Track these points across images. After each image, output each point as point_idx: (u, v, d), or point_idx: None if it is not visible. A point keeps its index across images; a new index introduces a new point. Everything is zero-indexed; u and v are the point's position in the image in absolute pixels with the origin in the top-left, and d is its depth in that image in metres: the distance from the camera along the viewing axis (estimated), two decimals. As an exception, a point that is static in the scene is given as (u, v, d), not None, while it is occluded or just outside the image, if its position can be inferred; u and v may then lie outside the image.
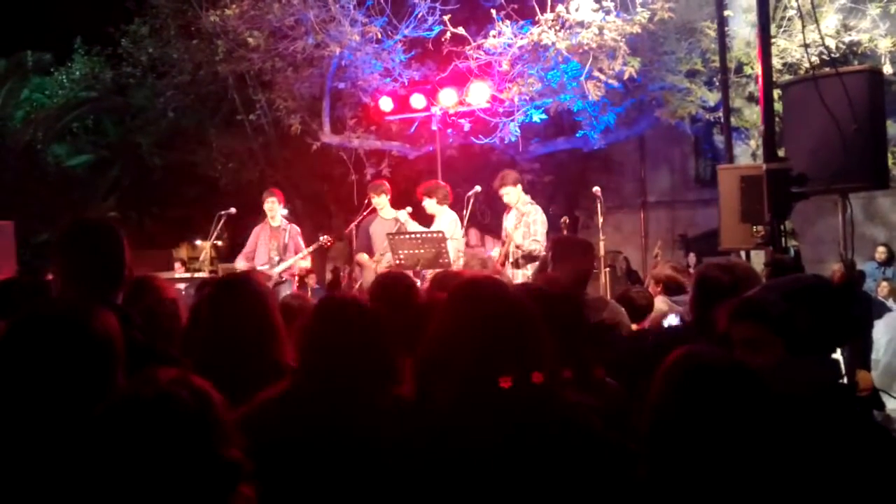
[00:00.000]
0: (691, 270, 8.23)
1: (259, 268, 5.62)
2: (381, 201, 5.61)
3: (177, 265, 9.46)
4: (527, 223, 4.76)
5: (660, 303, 2.91)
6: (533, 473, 1.20)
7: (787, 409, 1.16)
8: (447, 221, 5.30)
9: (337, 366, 1.40)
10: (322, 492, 1.32)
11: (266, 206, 5.82)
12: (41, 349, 1.15)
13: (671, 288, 3.26)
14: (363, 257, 5.68)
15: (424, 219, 5.56)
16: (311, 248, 5.72)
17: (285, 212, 5.91)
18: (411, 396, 1.36)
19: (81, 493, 0.99)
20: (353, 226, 6.01)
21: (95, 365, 1.16)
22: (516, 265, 4.72)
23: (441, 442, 1.23)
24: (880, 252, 8.13)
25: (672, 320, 2.68)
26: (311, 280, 9.00)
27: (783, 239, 2.47)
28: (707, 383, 1.11)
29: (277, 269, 5.57)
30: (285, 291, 5.47)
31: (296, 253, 5.69)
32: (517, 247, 4.76)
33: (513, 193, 4.86)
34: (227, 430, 1.05)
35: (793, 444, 1.12)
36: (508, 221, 4.91)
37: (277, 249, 5.66)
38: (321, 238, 5.82)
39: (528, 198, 4.91)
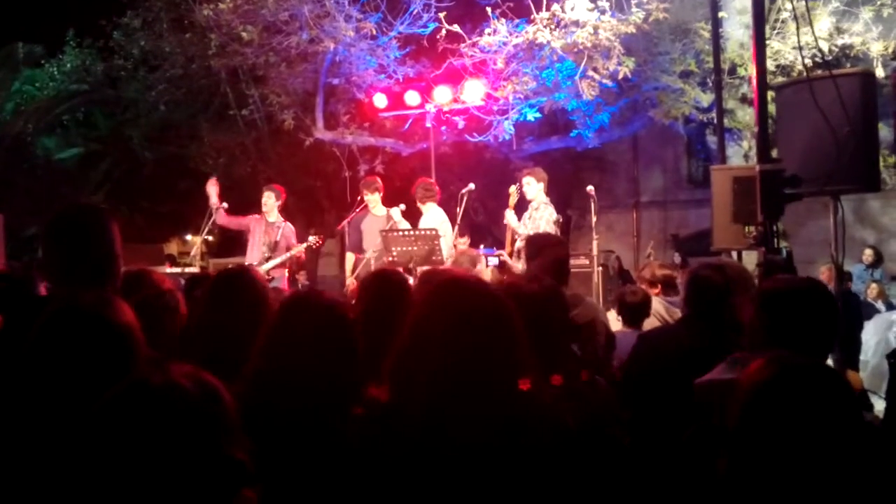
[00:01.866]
0: (677, 270, 8.28)
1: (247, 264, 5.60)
2: (374, 198, 5.61)
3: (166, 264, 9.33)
4: (534, 218, 4.93)
5: (656, 304, 2.91)
6: (511, 473, 1.18)
7: None
8: (437, 219, 5.32)
9: (299, 367, 1.36)
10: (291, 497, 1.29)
11: (262, 200, 5.75)
12: (68, 344, 1.15)
13: (671, 287, 3.26)
14: (348, 261, 5.71)
15: (418, 217, 5.58)
16: (299, 248, 5.67)
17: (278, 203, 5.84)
18: (386, 397, 1.33)
19: (84, 477, 0.99)
20: (344, 223, 5.99)
21: (117, 355, 1.16)
22: (518, 256, 4.82)
23: (415, 445, 1.21)
24: (867, 254, 8.21)
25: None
26: (302, 276, 8.93)
27: (775, 240, 2.49)
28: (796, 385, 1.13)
29: (265, 267, 5.52)
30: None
31: (287, 251, 5.65)
32: (513, 230, 4.97)
33: (533, 187, 5.02)
34: (235, 429, 1.04)
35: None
36: (511, 218, 5.06)
37: (268, 246, 5.63)
38: (310, 238, 5.79)
39: (546, 198, 5.05)
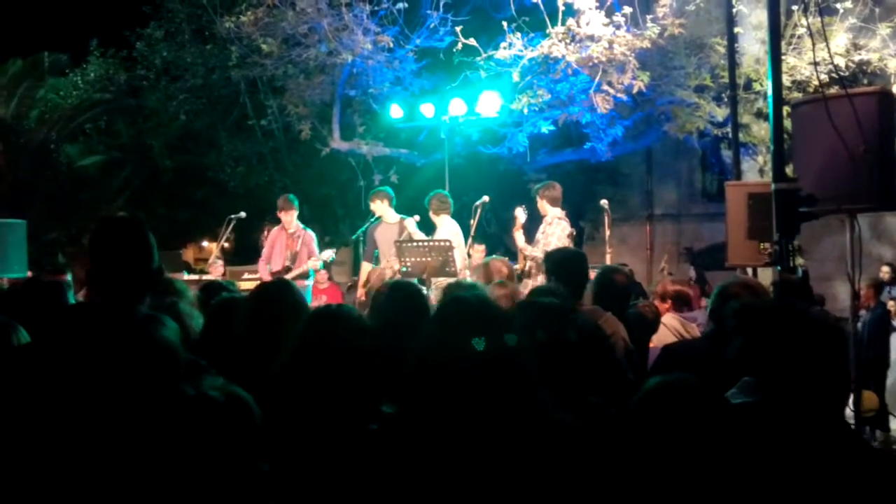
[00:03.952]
0: (692, 284, 8.20)
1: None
2: (379, 207, 5.63)
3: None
4: (546, 233, 4.97)
5: (671, 319, 2.90)
6: (524, 487, 1.19)
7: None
8: (451, 230, 5.35)
9: (323, 377, 1.39)
10: None
11: (284, 218, 5.76)
12: (117, 358, 1.21)
13: (683, 302, 3.25)
14: (363, 270, 5.74)
15: (432, 229, 5.62)
16: (317, 263, 5.70)
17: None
18: (398, 411, 1.34)
19: (117, 481, 1.04)
20: (359, 232, 6.04)
21: (159, 371, 1.20)
22: (528, 275, 4.83)
23: (427, 460, 1.22)
24: (885, 271, 8.08)
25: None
26: (321, 276, 8.84)
27: (791, 258, 2.49)
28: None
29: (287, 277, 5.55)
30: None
31: (308, 258, 5.67)
32: (521, 250, 4.98)
33: (546, 206, 5.09)
34: (262, 443, 1.09)
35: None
36: (520, 239, 5.08)
37: (290, 257, 5.67)
38: (325, 253, 5.83)
39: (560, 213, 5.09)
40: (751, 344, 1.38)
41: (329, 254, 5.84)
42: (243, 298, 2.08)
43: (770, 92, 2.72)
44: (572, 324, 1.63)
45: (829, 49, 4.09)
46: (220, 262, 6.79)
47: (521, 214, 5.16)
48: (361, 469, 1.28)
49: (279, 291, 1.86)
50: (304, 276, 5.65)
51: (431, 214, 5.52)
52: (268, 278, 5.49)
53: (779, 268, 2.46)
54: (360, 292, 5.66)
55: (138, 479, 1.03)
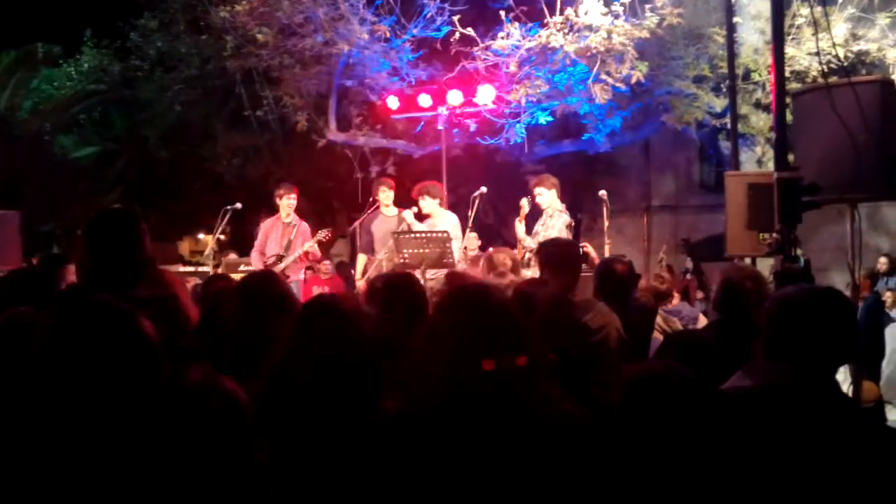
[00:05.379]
0: (688, 276, 8.23)
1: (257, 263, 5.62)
2: (387, 196, 5.62)
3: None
4: (547, 225, 4.95)
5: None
6: (523, 478, 1.18)
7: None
8: (448, 223, 5.32)
9: (316, 371, 1.36)
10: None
11: (286, 202, 5.69)
12: (93, 344, 1.17)
13: (663, 298, 3.25)
14: (360, 262, 5.72)
15: (423, 219, 5.57)
16: (309, 243, 5.68)
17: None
18: (397, 407, 1.32)
19: (105, 484, 1.01)
20: (356, 224, 6.01)
21: (141, 360, 1.17)
22: (526, 265, 4.81)
23: (426, 453, 1.21)
24: (882, 262, 8.12)
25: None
26: (325, 267, 8.76)
27: (792, 247, 2.48)
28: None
29: (278, 267, 5.51)
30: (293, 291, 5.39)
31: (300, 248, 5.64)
32: (520, 241, 4.98)
33: (546, 196, 5.02)
34: (254, 433, 1.05)
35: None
36: (520, 229, 5.05)
37: (284, 246, 5.64)
38: (320, 232, 5.80)
39: (561, 205, 5.04)
40: (793, 329, 1.38)
41: (322, 233, 5.79)
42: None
43: (773, 79, 2.70)
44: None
45: (831, 38, 4.06)
46: (233, 254, 6.67)
47: (525, 205, 5.14)
48: (361, 466, 1.27)
49: (265, 282, 1.83)
50: (298, 267, 5.59)
51: (429, 203, 5.46)
52: (261, 268, 5.46)
53: (781, 257, 2.45)
54: (361, 284, 5.64)
55: (125, 471, 1.00)
